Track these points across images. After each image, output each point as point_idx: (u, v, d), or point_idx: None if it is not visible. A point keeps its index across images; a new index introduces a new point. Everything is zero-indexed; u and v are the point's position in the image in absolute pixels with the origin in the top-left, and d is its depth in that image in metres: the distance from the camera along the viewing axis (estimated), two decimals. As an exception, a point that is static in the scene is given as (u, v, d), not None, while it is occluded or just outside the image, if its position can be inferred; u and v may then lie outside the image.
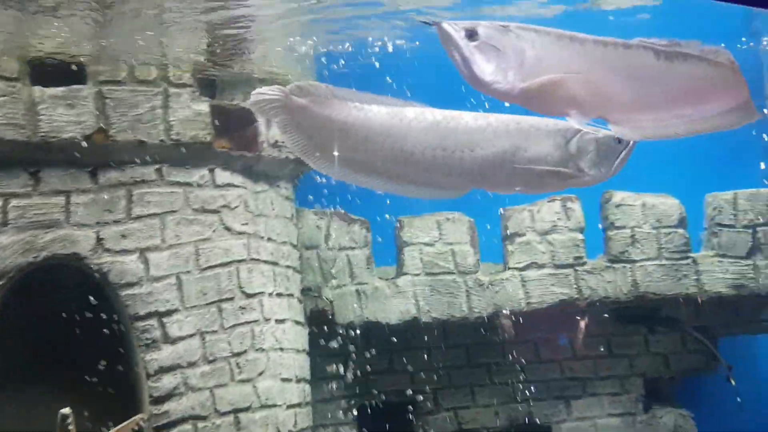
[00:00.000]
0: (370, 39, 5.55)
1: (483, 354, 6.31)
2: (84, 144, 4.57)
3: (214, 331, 4.85)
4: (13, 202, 4.50)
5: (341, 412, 6.01)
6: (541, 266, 6.10)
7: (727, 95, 2.82)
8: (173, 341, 4.69)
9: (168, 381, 4.64)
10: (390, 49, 5.56)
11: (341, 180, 3.07)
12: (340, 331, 5.78)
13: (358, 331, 5.79)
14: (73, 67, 4.68)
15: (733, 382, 6.33)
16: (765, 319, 6.60)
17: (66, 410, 4.14)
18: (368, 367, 5.91)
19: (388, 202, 5.41)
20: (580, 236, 6.19)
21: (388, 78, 5.04)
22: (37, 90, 4.56)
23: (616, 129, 2.81)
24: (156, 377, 4.62)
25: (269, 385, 5.06)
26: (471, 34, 2.55)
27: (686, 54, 2.74)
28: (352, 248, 5.99)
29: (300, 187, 5.80)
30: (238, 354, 4.93)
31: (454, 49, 2.56)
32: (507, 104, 2.77)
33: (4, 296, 4.44)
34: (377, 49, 5.57)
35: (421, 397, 6.24)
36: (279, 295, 5.30)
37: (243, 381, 4.93)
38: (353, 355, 5.86)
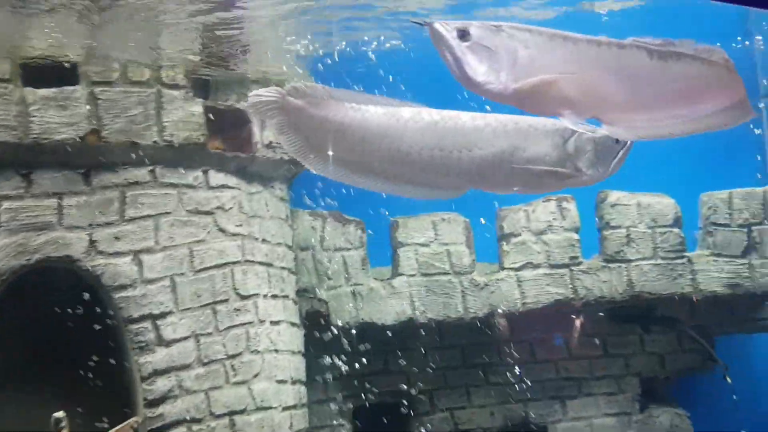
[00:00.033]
0: (366, 38, 5.54)
1: (479, 354, 6.31)
2: (77, 145, 4.55)
3: (209, 334, 4.82)
4: (5, 204, 4.46)
5: (337, 413, 6.00)
6: (537, 266, 6.10)
7: (721, 94, 2.81)
8: (167, 344, 4.66)
9: (162, 384, 4.62)
10: (387, 47, 5.55)
11: (338, 181, 3.06)
12: (336, 332, 5.76)
13: (353, 332, 5.77)
14: (66, 66, 4.65)
15: (729, 380, 6.34)
16: (760, 318, 6.61)
17: (59, 414, 4.13)
18: (364, 367, 5.90)
19: (384, 196, 5.40)
20: (576, 236, 6.19)
21: (385, 78, 5.03)
22: (29, 91, 4.52)
23: (610, 129, 2.80)
24: (150, 380, 4.60)
25: (264, 387, 5.04)
26: (463, 35, 2.53)
27: (680, 53, 2.73)
28: (348, 249, 5.97)
29: (295, 188, 5.78)
30: (233, 356, 4.90)
31: (445, 50, 2.55)
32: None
33: (-1, 299, 4.42)
34: (374, 50, 5.56)
35: (417, 398, 6.23)
36: (274, 296, 5.28)
37: (238, 383, 4.91)
38: (349, 356, 5.85)
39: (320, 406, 5.92)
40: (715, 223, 6.41)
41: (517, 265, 6.10)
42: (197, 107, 4.88)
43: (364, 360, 5.87)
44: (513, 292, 6.06)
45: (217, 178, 5.01)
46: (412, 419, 6.27)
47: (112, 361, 4.65)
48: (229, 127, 5.08)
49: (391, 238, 6.12)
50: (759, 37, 6.89)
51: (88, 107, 4.60)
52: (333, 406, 5.98)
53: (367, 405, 6.08)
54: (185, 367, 4.70)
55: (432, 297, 5.99)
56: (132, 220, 4.69)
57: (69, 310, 4.59)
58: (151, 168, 4.77)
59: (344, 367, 5.90)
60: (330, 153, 2.95)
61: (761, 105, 6.96)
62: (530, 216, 6.15)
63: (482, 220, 6.20)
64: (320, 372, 5.81)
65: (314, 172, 3.09)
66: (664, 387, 6.74)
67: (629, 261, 6.20)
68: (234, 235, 5.02)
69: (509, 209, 6.18)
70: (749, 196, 6.37)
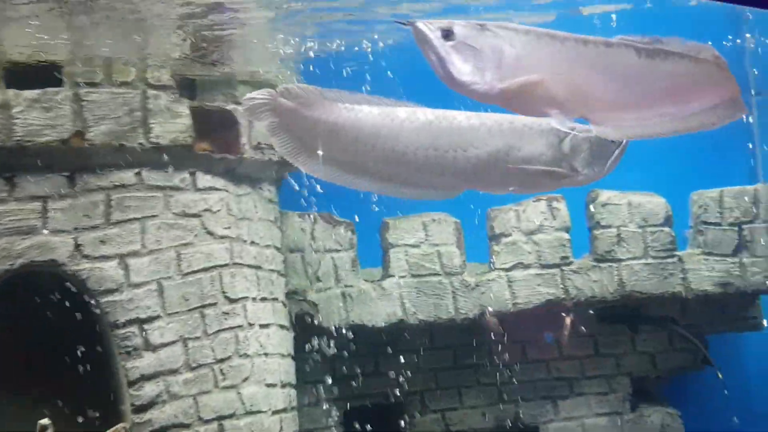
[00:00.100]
0: (360, 40, 5.52)
1: (470, 355, 6.28)
2: (61, 148, 4.49)
3: (197, 338, 4.78)
4: (-12, 208, 4.41)
5: (328, 415, 5.96)
6: (528, 266, 6.08)
7: (712, 92, 2.78)
8: (155, 348, 4.61)
9: (150, 389, 4.57)
10: (380, 47, 5.52)
11: (331, 182, 3.03)
12: (326, 335, 5.72)
13: (344, 334, 5.74)
14: (49, 68, 4.59)
15: (720, 376, 6.34)
16: (751, 317, 6.61)
17: (45, 421, 4.08)
18: (355, 369, 5.87)
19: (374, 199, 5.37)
20: (566, 236, 6.18)
21: (379, 78, 5.00)
22: (12, 93, 4.47)
23: (598, 129, 2.78)
24: (138, 385, 4.54)
25: (254, 391, 5.00)
26: (447, 34, 2.49)
27: (668, 51, 2.70)
28: (337, 251, 5.94)
29: (284, 189, 5.74)
30: (222, 360, 4.86)
31: (429, 50, 2.50)
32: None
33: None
34: (367, 51, 5.53)
35: (408, 399, 6.20)
36: (263, 299, 5.24)
37: (227, 387, 4.86)
38: (339, 358, 5.81)
39: (311, 409, 5.88)
40: (705, 222, 6.40)
41: (507, 266, 6.08)
42: (184, 108, 4.83)
43: (354, 362, 5.84)
44: (504, 292, 6.04)
45: (204, 180, 4.96)
46: (403, 421, 6.23)
47: (92, 367, 4.60)
48: (216, 129, 5.03)
49: (382, 239, 6.08)
50: (749, 35, 6.90)
51: (72, 109, 4.54)
52: (324, 409, 5.95)
53: (358, 407, 6.04)
54: (173, 371, 4.65)
55: (423, 298, 5.96)
56: (118, 223, 4.64)
57: (62, 312, 4.54)
58: (137, 170, 4.72)
59: (335, 370, 5.87)
60: (323, 154, 2.92)
61: (752, 102, 6.97)
62: (521, 216, 6.13)
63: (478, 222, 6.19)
64: (310, 375, 5.77)
65: (306, 173, 3.06)
66: (656, 386, 6.74)
67: (620, 260, 6.18)
68: (222, 237, 4.97)
69: (499, 209, 6.15)
70: (740, 194, 6.37)
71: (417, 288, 5.95)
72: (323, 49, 5.52)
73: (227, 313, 4.92)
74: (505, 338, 6.10)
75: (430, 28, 2.49)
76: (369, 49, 5.49)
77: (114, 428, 4.48)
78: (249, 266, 5.13)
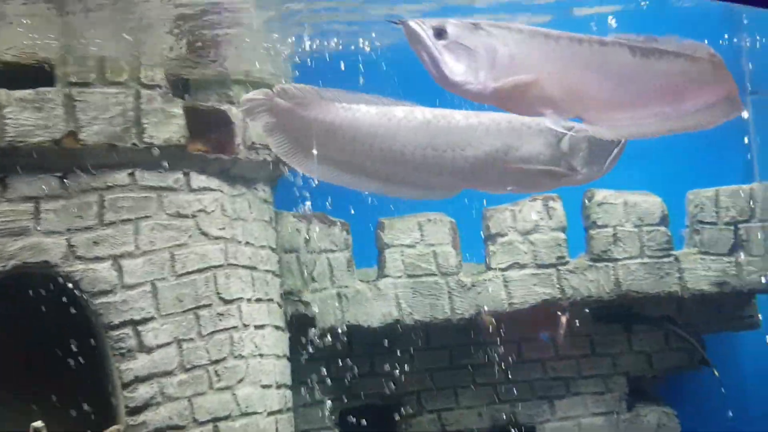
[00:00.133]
0: (357, 39, 5.50)
1: (466, 355, 6.26)
2: (53, 148, 4.46)
3: (192, 339, 4.75)
4: (-20, 209, 4.38)
5: (323, 416, 5.94)
6: (524, 266, 6.06)
7: (707, 91, 2.77)
8: (149, 350, 4.58)
9: (144, 391, 4.54)
10: (378, 46, 5.50)
11: (328, 181, 3.01)
12: (321, 335, 5.70)
13: (339, 335, 5.72)
14: (41, 67, 4.56)
15: (716, 373, 6.33)
16: (747, 316, 6.61)
17: (37, 423, 4.06)
18: (350, 370, 5.85)
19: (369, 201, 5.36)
20: (563, 235, 6.16)
21: (377, 77, 4.97)
22: (3, 93, 4.43)
23: (593, 128, 2.76)
24: (132, 387, 4.52)
25: (249, 393, 4.97)
26: (439, 33, 2.46)
27: (663, 50, 2.68)
28: (333, 251, 5.91)
29: (279, 189, 5.72)
30: (217, 361, 4.83)
31: (421, 49, 2.48)
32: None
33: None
34: (364, 50, 5.51)
35: (404, 400, 6.19)
36: (258, 300, 5.21)
37: (222, 389, 4.84)
38: (335, 358, 5.79)
39: (306, 409, 5.86)
40: (701, 221, 6.39)
41: (503, 266, 6.06)
42: (177, 108, 4.80)
43: (350, 362, 5.81)
44: (500, 292, 6.02)
45: (198, 180, 4.94)
46: (399, 421, 6.22)
47: (90, 367, 4.57)
48: (210, 129, 5.00)
49: (377, 239, 6.07)
50: (745, 34, 6.90)
51: (65, 109, 4.51)
52: (319, 410, 5.93)
53: (354, 407, 6.02)
54: (167, 373, 4.62)
55: (418, 298, 5.94)
56: (111, 224, 4.61)
57: (57, 312, 4.51)
58: (130, 171, 4.68)
59: (330, 370, 5.85)
60: (320, 154, 2.91)
61: (748, 101, 6.96)
62: (516, 216, 6.11)
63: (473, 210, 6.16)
64: (306, 375, 5.75)
65: (303, 173, 3.04)
66: (652, 386, 6.73)
67: (616, 260, 6.17)
68: (216, 238, 4.95)
69: (495, 209, 6.14)
70: (736, 193, 6.36)
71: (413, 288, 5.93)
72: (320, 49, 5.50)
73: (222, 314, 4.89)
74: (502, 338, 6.09)
75: (423, 27, 2.47)
76: (368, 48, 5.47)
77: (108, 430, 4.46)
78: (244, 267, 5.11)
